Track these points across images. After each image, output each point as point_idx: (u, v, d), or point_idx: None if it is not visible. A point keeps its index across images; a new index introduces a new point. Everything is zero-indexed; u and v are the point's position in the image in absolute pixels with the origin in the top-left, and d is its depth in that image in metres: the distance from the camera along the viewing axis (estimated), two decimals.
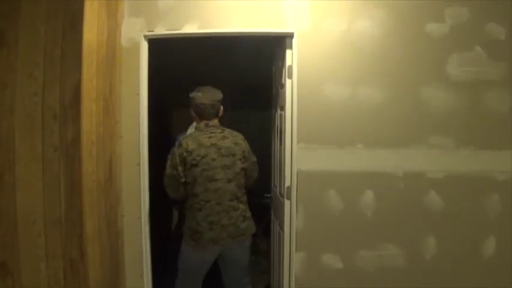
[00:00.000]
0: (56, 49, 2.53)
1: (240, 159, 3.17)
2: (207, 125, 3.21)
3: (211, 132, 3.17)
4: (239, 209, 3.14)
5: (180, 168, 3.10)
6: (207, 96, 3.20)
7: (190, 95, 3.24)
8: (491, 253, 3.27)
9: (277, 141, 3.85)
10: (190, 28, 3.25)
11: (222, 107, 3.31)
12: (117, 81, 3.22)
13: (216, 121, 3.25)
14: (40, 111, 2.52)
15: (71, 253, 2.56)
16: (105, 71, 2.94)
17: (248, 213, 3.23)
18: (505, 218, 3.25)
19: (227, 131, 3.23)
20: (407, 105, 3.23)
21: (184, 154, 3.08)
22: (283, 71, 3.45)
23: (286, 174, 3.37)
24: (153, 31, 3.27)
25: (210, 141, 3.12)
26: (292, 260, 3.33)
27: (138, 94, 3.31)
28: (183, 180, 3.12)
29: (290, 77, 3.31)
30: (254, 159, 3.33)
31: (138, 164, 3.32)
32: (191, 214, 3.14)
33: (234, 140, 3.19)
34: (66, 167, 2.54)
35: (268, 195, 4.18)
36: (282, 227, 3.47)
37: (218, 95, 3.25)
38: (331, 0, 3.22)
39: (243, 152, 3.20)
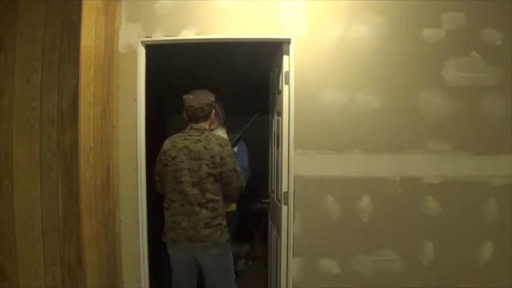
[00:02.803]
0: (54, 55, 2.55)
1: (208, 165, 3.12)
2: (191, 128, 3.27)
3: (188, 135, 3.22)
4: (201, 215, 3.12)
5: (158, 167, 3.29)
6: (196, 99, 3.24)
7: (183, 98, 3.28)
8: (489, 258, 3.26)
9: (274, 146, 3.85)
10: (188, 34, 3.26)
11: (214, 111, 3.35)
12: (114, 86, 3.22)
13: (203, 124, 3.28)
14: (38, 116, 2.53)
15: (68, 258, 2.57)
16: (102, 76, 2.95)
17: (216, 222, 3.17)
18: (502, 223, 3.25)
19: (204, 135, 3.22)
20: (405, 110, 3.24)
21: (161, 153, 3.26)
22: (280, 76, 3.46)
23: (283, 179, 3.37)
24: (150, 37, 3.28)
25: (183, 143, 3.19)
26: (290, 265, 3.31)
27: (135, 100, 3.31)
28: (158, 177, 3.30)
29: (287, 82, 3.31)
30: (233, 166, 3.22)
31: (136, 169, 3.32)
32: (165, 212, 3.26)
33: (205, 145, 3.15)
34: (64, 173, 2.55)
35: (266, 201, 4.19)
36: (279, 232, 3.47)
37: (208, 98, 3.27)
38: (328, 5, 3.24)
39: (212, 157, 3.12)
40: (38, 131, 2.54)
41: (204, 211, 3.13)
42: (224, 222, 3.23)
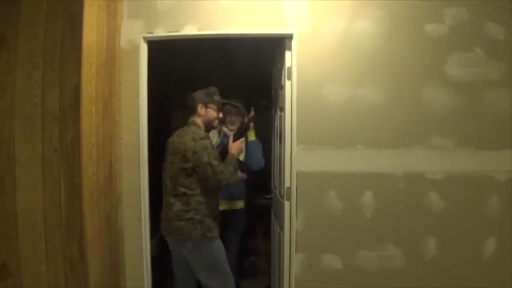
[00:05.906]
0: (56, 51, 2.54)
1: (180, 159, 3.14)
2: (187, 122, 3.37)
3: (180, 129, 3.31)
4: (175, 207, 3.14)
5: None
6: (192, 94, 3.36)
7: None
8: (492, 253, 3.26)
9: (277, 142, 3.85)
10: (190, 30, 3.25)
11: (200, 106, 3.31)
12: (116, 83, 3.23)
13: (193, 119, 3.33)
14: (40, 113, 2.53)
15: (71, 254, 2.57)
16: (104, 72, 2.95)
17: (188, 216, 3.12)
18: (505, 218, 3.24)
19: (185, 130, 3.26)
20: (407, 105, 3.23)
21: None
22: (283, 72, 3.45)
23: (286, 175, 3.37)
24: (152, 33, 3.28)
25: (172, 137, 3.29)
26: (292, 261, 3.32)
27: (137, 96, 3.31)
28: None
29: (289, 78, 3.30)
30: (207, 160, 3.08)
31: (138, 165, 3.33)
32: None
33: (181, 139, 3.18)
34: (66, 169, 2.55)
35: (268, 196, 4.19)
36: (282, 228, 3.46)
37: (198, 93, 3.35)
38: (330, 1, 3.23)
39: (184, 151, 3.12)
40: (40, 128, 2.54)
41: (177, 204, 3.15)
42: (197, 217, 3.13)
